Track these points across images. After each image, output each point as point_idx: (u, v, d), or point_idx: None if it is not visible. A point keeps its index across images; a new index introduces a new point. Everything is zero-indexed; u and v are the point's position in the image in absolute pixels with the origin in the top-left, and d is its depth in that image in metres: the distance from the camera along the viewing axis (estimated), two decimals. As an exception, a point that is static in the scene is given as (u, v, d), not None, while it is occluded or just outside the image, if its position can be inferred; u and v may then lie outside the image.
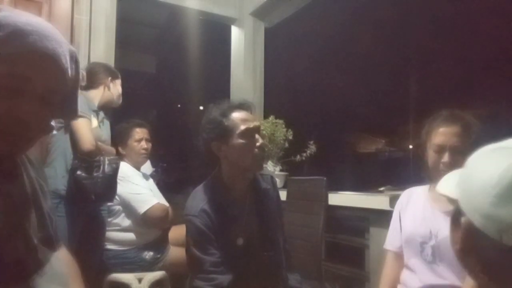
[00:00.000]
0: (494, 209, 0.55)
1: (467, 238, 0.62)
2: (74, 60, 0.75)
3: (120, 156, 2.12)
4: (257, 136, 1.37)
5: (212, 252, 1.29)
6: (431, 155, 1.33)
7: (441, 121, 1.33)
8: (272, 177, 1.57)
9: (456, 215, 0.65)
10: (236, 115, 1.36)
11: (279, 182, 2.37)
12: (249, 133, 1.35)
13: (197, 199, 1.37)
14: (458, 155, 1.27)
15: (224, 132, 1.34)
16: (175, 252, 2.16)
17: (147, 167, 2.43)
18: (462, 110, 1.37)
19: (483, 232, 0.57)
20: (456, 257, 0.66)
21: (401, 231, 1.42)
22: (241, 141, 1.33)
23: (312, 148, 2.68)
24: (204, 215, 1.31)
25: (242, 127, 1.34)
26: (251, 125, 1.36)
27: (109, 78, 2.07)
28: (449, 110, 1.36)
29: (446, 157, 1.28)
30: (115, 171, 1.86)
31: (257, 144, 1.36)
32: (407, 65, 8.52)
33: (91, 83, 2.04)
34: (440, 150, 1.30)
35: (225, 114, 1.35)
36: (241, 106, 1.39)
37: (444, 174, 1.32)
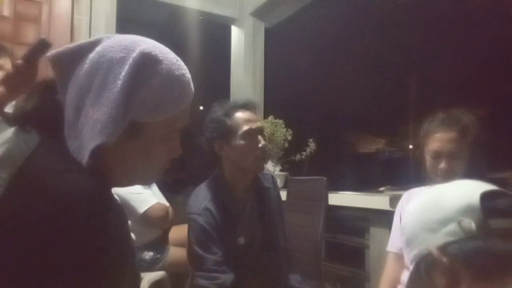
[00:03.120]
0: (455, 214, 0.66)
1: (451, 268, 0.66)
2: None
3: None
4: (259, 137, 1.37)
5: (215, 251, 1.29)
6: (428, 160, 1.32)
7: (437, 126, 1.31)
8: (273, 177, 1.57)
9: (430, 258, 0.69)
10: (240, 115, 1.36)
11: (279, 182, 2.37)
12: (252, 134, 1.34)
13: (200, 198, 1.37)
14: (455, 161, 1.27)
15: (227, 131, 1.34)
16: (175, 252, 2.16)
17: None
18: (462, 110, 1.34)
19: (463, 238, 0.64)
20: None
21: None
22: (243, 141, 1.33)
23: (312, 146, 2.67)
24: (207, 213, 1.31)
25: (245, 128, 1.34)
26: (254, 126, 1.36)
27: None
28: (445, 112, 1.34)
29: (443, 164, 1.28)
30: None
31: (259, 145, 1.35)
32: (407, 65, 8.50)
33: None
34: (437, 156, 1.29)
35: (229, 113, 1.35)
36: (245, 106, 1.39)
37: (441, 180, 1.33)
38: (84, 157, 0.55)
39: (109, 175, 0.61)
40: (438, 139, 1.29)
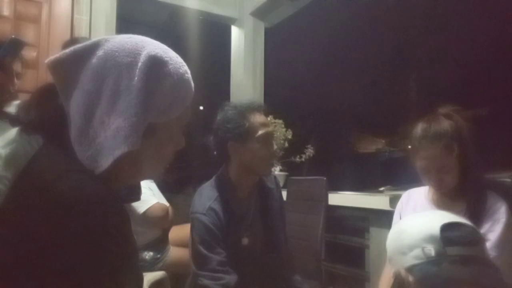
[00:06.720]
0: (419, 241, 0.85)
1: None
2: None
3: None
4: (272, 141, 1.39)
5: (219, 251, 1.29)
6: (419, 173, 1.30)
7: (420, 141, 1.25)
8: (275, 178, 1.58)
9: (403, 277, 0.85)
10: (256, 118, 1.36)
11: (279, 182, 2.37)
12: (267, 138, 1.36)
13: (205, 198, 1.36)
14: (445, 174, 1.23)
15: (244, 133, 1.33)
16: (175, 252, 2.16)
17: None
18: (445, 111, 1.28)
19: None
20: None
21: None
22: (259, 145, 1.34)
23: (310, 151, 2.68)
24: (212, 213, 1.31)
25: (261, 131, 1.34)
26: (269, 129, 1.37)
27: None
28: (425, 121, 1.27)
29: (432, 179, 1.26)
30: None
31: (272, 149, 1.38)
32: (407, 65, 8.50)
33: None
34: (426, 172, 1.26)
35: (245, 115, 1.35)
36: (259, 109, 1.39)
37: (436, 189, 1.33)
38: (104, 165, 0.56)
39: (119, 175, 0.62)
40: (423, 157, 1.24)
